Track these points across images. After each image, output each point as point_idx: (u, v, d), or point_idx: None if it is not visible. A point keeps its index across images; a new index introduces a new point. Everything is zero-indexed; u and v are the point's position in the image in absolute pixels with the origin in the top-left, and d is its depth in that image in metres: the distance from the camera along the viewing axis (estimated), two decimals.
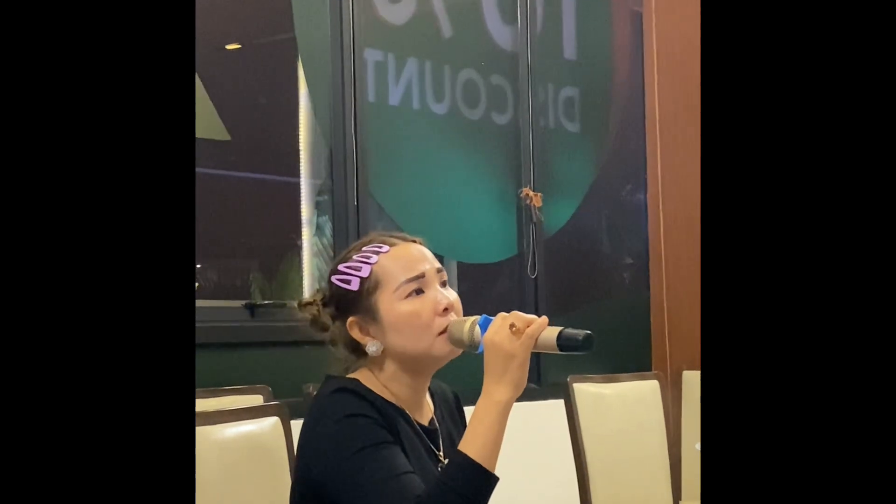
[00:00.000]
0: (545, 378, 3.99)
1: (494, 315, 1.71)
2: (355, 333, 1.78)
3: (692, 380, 4.08)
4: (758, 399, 1.31)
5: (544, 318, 1.68)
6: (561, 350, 1.66)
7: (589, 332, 1.65)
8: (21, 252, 1.23)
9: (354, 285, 1.77)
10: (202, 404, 2.11)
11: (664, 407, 3.25)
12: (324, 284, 1.87)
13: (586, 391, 3.06)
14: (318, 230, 3.59)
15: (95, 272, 1.26)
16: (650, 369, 4.23)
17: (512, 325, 1.67)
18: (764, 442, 1.30)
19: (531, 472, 3.73)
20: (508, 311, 1.71)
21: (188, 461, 1.29)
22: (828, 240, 1.30)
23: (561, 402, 3.04)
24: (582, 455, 3.00)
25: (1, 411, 1.21)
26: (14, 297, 1.22)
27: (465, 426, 1.89)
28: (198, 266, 3.17)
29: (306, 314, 1.83)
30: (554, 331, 1.67)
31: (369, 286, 1.77)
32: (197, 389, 2.08)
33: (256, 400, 2.68)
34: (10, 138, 1.24)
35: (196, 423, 1.83)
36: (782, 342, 1.31)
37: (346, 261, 1.81)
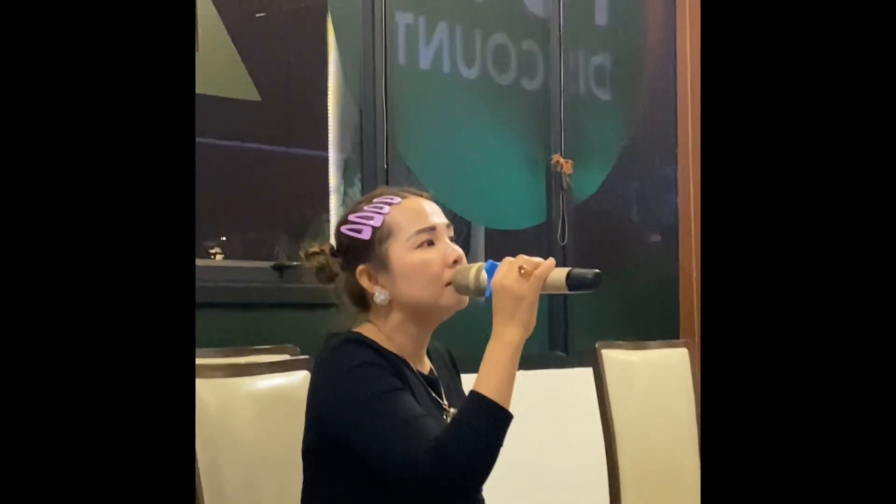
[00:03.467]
0: (572, 346, 3.97)
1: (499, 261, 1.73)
2: (364, 282, 1.80)
3: None
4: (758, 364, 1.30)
5: (551, 260, 1.72)
6: (570, 289, 1.68)
7: (597, 270, 1.67)
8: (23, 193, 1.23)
9: (366, 234, 1.79)
10: (232, 361, 2.12)
11: (692, 375, 3.23)
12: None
13: (614, 357, 3.04)
14: (347, 198, 3.58)
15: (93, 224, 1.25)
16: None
17: (520, 268, 1.68)
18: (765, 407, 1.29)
19: (559, 440, 3.71)
20: None
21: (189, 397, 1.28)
22: (833, 224, 1.29)
23: (588, 370, 3.02)
24: (610, 422, 2.98)
25: (6, 358, 1.21)
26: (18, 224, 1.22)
27: (460, 380, 1.91)
28: (223, 239, 3.17)
29: (313, 263, 1.85)
30: (562, 271, 1.69)
31: (381, 235, 1.79)
32: (226, 348, 2.10)
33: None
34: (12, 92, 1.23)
35: (229, 375, 1.87)
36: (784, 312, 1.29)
37: (356, 212, 1.82)
